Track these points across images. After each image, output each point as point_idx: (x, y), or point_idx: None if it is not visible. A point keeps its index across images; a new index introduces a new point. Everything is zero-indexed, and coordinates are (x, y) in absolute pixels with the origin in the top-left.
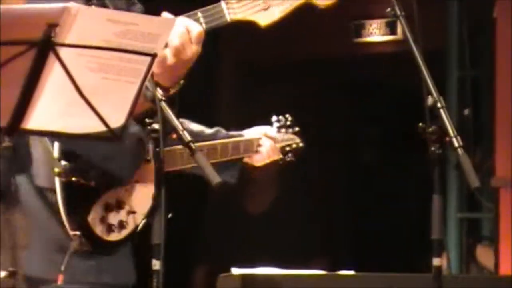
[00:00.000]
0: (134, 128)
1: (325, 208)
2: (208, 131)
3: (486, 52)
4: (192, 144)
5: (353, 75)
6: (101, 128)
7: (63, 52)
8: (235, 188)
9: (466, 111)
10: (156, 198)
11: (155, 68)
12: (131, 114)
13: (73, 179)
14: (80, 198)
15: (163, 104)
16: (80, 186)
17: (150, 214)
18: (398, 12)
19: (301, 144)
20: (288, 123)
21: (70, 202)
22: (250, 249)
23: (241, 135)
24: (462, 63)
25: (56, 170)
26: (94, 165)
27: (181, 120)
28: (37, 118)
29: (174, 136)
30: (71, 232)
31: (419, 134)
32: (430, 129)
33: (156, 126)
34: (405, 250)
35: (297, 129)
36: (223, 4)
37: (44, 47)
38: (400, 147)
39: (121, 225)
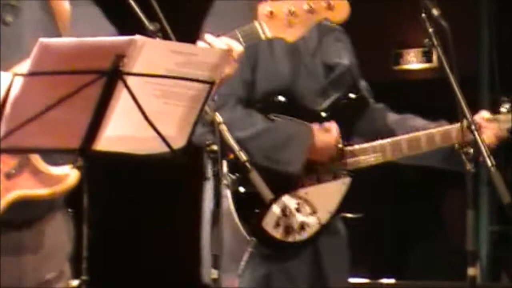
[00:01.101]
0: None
1: (367, 218)
2: (433, 125)
3: None
4: (247, 164)
5: (393, 99)
6: (164, 149)
7: (130, 80)
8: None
9: None
10: (215, 211)
11: None
12: (191, 136)
13: (242, 189)
14: (252, 206)
15: (222, 126)
16: (252, 195)
17: (340, 211)
18: (435, 42)
19: None
20: None
21: (243, 210)
22: None
23: None
24: (493, 87)
25: (225, 182)
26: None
27: (407, 115)
28: (106, 140)
29: (231, 156)
30: (248, 238)
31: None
32: (465, 149)
33: (214, 147)
34: (443, 259)
35: None
36: (256, 24)
37: (113, 76)
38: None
39: (302, 227)
